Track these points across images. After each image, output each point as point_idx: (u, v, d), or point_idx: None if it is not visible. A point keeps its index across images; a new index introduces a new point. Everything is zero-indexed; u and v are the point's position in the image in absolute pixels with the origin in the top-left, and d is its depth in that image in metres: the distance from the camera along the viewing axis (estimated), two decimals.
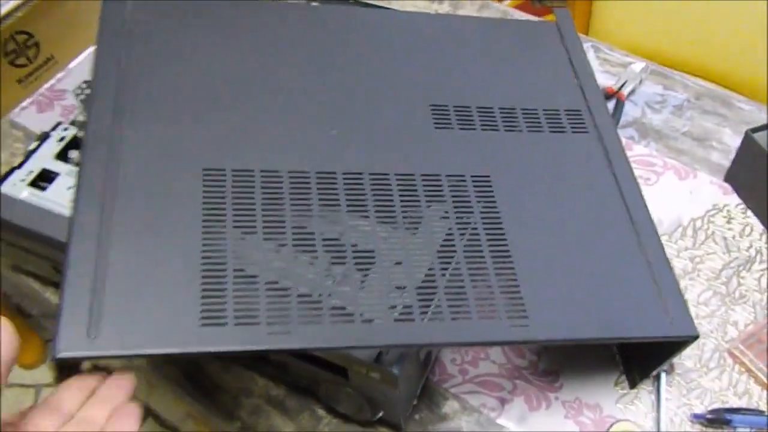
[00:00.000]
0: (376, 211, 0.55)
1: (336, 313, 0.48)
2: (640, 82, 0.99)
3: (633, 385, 0.69)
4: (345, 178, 0.56)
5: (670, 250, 0.78)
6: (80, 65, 1.04)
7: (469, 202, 0.58)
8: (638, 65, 1.01)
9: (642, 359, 0.67)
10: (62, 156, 0.76)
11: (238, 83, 0.60)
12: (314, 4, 0.82)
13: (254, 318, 0.45)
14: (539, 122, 0.66)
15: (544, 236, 0.58)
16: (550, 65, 0.73)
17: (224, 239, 0.49)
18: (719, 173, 0.90)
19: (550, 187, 0.62)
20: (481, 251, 0.55)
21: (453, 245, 0.54)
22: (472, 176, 0.59)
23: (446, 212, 0.56)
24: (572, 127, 0.67)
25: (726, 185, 0.87)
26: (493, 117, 0.65)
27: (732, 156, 0.86)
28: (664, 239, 0.78)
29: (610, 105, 0.95)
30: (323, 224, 0.52)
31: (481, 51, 0.72)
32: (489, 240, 0.56)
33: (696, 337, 0.58)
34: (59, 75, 1.03)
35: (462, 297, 0.51)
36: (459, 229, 0.56)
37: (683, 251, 0.80)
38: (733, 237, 0.82)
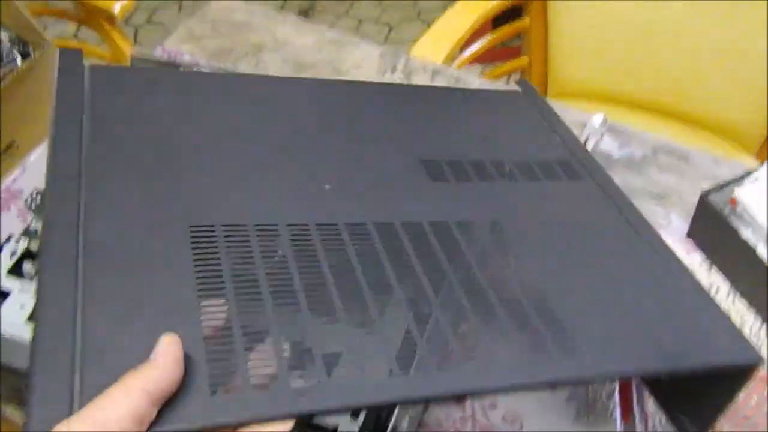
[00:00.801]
0: (390, 261, 0.51)
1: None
2: (602, 136, 0.99)
3: None
4: (348, 229, 0.52)
5: None
6: (39, 160, 1.03)
7: (485, 247, 0.55)
8: (597, 118, 1.01)
9: (695, 406, 0.57)
10: (15, 271, 0.73)
11: (214, 145, 0.57)
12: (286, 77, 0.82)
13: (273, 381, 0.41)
14: (534, 172, 0.66)
15: (574, 275, 0.56)
16: (526, 125, 0.74)
17: (224, 295, 0.45)
18: (681, 230, 0.90)
19: (564, 227, 0.60)
20: (517, 297, 0.51)
21: (477, 291, 0.51)
22: (482, 222, 0.58)
23: (464, 260, 0.53)
24: (567, 175, 0.67)
25: (689, 242, 0.87)
26: (487, 170, 0.64)
27: (692, 210, 0.86)
28: None
29: None
30: (331, 275, 0.48)
31: (459, 116, 0.73)
32: (521, 285, 0.53)
33: (759, 363, 0.52)
34: (16, 173, 1.02)
35: (497, 339, 0.48)
36: (481, 273, 0.53)
37: None
38: None
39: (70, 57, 0.60)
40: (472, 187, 0.61)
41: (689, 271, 0.59)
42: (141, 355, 0.39)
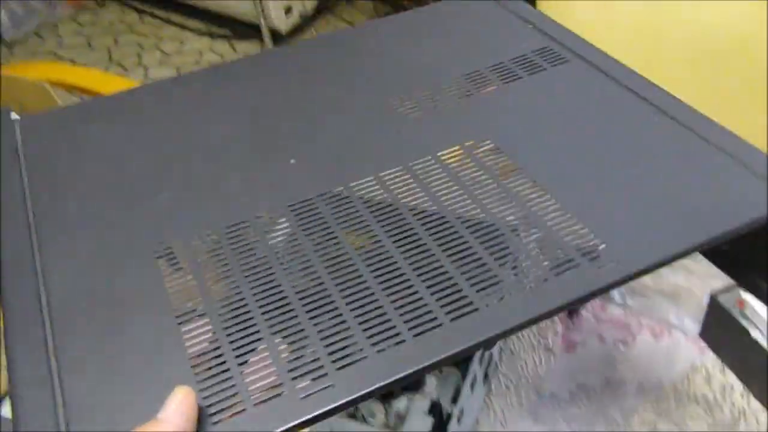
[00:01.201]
0: (381, 222, 0.46)
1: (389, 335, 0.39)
2: None
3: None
4: (324, 201, 0.48)
5: (652, 415, 0.75)
6: None
7: (478, 169, 0.50)
8: None
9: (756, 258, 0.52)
10: None
11: (158, 162, 0.53)
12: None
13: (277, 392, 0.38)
14: (512, 71, 0.60)
15: (580, 165, 0.50)
16: (495, 25, 0.67)
17: (204, 313, 0.41)
18: (693, 329, 0.87)
19: (558, 121, 0.55)
20: (522, 203, 0.47)
21: (477, 214, 0.46)
22: (470, 144, 0.52)
23: (457, 186, 0.48)
24: (550, 63, 0.61)
25: (701, 342, 0.85)
26: (463, 86, 0.59)
27: (704, 309, 0.84)
28: (648, 404, 0.74)
29: None
30: (319, 259, 0.44)
31: (423, 38, 0.67)
32: (523, 194, 0.48)
33: None
34: None
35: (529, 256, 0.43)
36: (485, 193, 0.48)
37: (665, 415, 0.77)
38: (714, 398, 0.79)
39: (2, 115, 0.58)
40: (452, 110, 0.56)
41: (703, 116, 0.53)
42: (128, 404, 0.36)
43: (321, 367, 0.37)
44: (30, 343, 0.40)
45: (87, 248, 0.46)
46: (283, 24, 2.10)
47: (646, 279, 0.94)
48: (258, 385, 0.37)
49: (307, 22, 2.19)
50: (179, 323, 0.40)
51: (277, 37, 2.12)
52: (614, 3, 0.99)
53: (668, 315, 0.89)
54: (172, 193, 0.50)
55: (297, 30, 2.16)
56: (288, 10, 2.09)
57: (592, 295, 0.42)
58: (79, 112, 0.60)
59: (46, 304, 0.42)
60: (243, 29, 2.18)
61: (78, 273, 0.44)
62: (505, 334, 0.40)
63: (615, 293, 0.91)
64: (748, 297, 0.78)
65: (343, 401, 0.36)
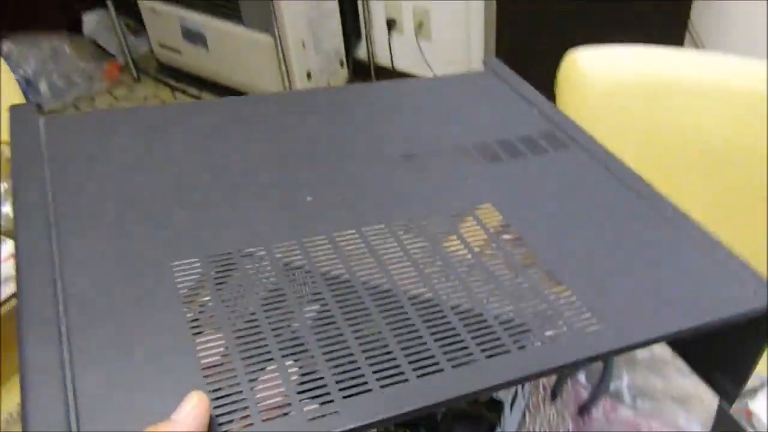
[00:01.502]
0: (387, 264, 0.48)
1: (387, 375, 0.41)
2: None
3: (731, 400, 0.57)
4: (337, 240, 0.50)
5: None
6: None
7: (480, 231, 0.52)
8: None
9: (728, 361, 0.54)
10: None
11: (182, 178, 0.55)
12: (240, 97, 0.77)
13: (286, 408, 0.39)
14: (518, 149, 0.63)
15: (576, 245, 0.53)
16: (500, 102, 0.71)
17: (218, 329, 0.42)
18: None
19: (561, 200, 0.58)
20: (516, 276, 0.49)
21: (475, 277, 0.48)
22: (475, 208, 0.55)
23: (461, 245, 0.51)
24: (553, 147, 0.64)
25: None
26: (470, 153, 0.62)
27: (713, 415, 0.84)
28: None
29: (598, 368, 0.94)
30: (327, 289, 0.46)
31: (430, 104, 0.70)
32: (521, 262, 0.50)
33: None
34: None
35: (514, 325, 0.45)
36: (483, 254, 0.50)
37: None
38: None
39: (23, 111, 0.58)
40: (459, 175, 0.59)
41: (694, 222, 0.55)
42: (138, 407, 0.37)
43: (328, 393, 0.39)
44: (43, 340, 0.39)
45: (105, 252, 0.46)
46: None
47: (656, 382, 0.95)
48: (267, 402, 0.38)
49: None
50: (194, 333, 0.41)
51: None
52: (626, 107, 1.04)
53: (677, 419, 0.90)
54: (192, 210, 0.51)
55: None
56: None
57: (574, 365, 0.46)
58: (106, 119, 0.61)
59: (62, 298, 0.42)
60: None
61: (95, 275, 0.44)
62: (499, 387, 0.43)
63: (626, 394, 0.92)
64: (756, 407, 0.78)
65: (348, 428, 0.38)
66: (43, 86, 2.40)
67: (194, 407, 0.35)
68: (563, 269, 0.49)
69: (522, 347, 0.43)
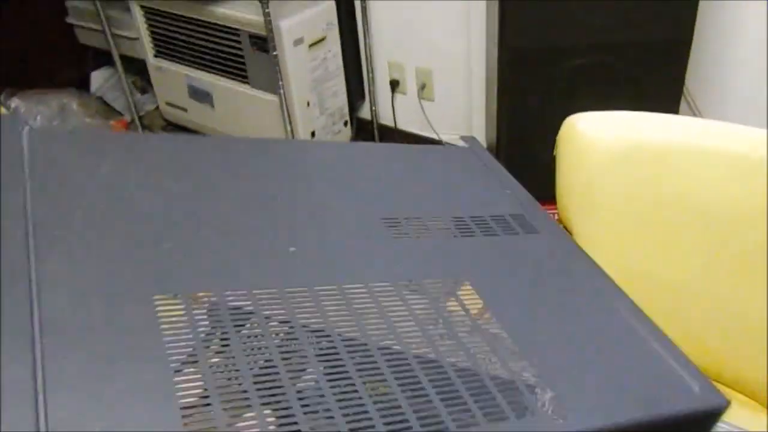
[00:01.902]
0: (364, 324, 0.50)
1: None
2: None
3: None
4: (318, 294, 0.50)
5: None
6: None
7: (451, 305, 0.54)
8: None
9: None
10: None
11: (167, 209, 0.54)
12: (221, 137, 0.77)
13: None
14: (491, 227, 0.66)
15: (541, 331, 0.55)
16: (477, 180, 0.74)
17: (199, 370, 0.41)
18: None
19: (526, 282, 0.60)
20: (487, 351, 0.50)
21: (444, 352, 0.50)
22: (448, 280, 0.57)
23: (435, 320, 0.52)
24: (524, 230, 0.67)
25: None
26: (447, 226, 0.64)
27: None
28: None
29: None
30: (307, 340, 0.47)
31: (413, 172, 0.73)
32: (492, 336, 0.52)
33: (725, 407, 0.51)
34: None
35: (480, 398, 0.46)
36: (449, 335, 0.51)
37: None
38: None
39: (8, 121, 0.57)
40: (435, 244, 0.61)
41: (649, 320, 0.58)
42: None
43: None
44: (17, 368, 0.38)
45: (86, 277, 0.45)
46: None
47: None
48: None
49: None
50: (173, 372, 0.40)
51: None
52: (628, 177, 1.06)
53: None
54: (177, 245, 0.50)
55: None
56: None
57: None
58: (95, 139, 0.60)
59: (38, 320, 0.41)
60: None
61: (75, 302, 0.43)
62: None
63: None
64: None
65: None
66: None
67: None
68: (530, 351, 0.51)
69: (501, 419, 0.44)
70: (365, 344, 0.48)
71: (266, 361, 0.44)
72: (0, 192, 0.49)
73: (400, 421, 0.42)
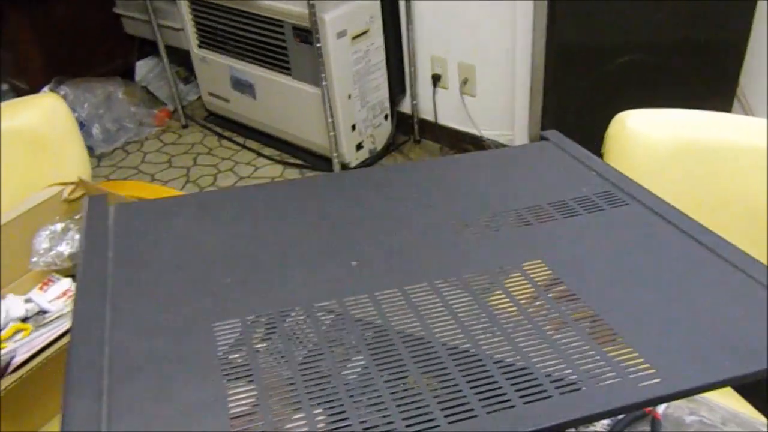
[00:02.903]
0: (426, 316, 0.49)
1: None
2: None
3: None
4: (379, 299, 0.51)
5: None
6: None
7: (531, 287, 0.53)
8: None
9: None
10: None
11: (234, 251, 0.58)
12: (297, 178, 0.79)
13: None
14: (573, 208, 0.64)
15: (630, 296, 0.53)
16: (559, 169, 0.72)
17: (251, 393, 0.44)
18: None
19: (613, 254, 0.58)
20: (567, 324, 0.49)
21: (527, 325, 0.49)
22: (524, 267, 0.56)
23: (510, 304, 0.52)
24: (610, 205, 0.64)
25: None
26: (524, 217, 0.63)
27: None
28: None
29: (646, 426, 0.92)
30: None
31: (490, 174, 0.72)
32: (572, 316, 0.50)
33: None
34: None
35: (565, 368, 0.45)
36: (536, 308, 0.51)
37: None
38: None
39: (96, 200, 0.64)
40: (510, 236, 0.60)
41: (760, 264, 0.55)
42: None
43: None
44: (85, 395, 0.42)
45: (153, 316, 0.50)
46: (353, 158, 2.21)
47: None
48: None
49: (375, 158, 2.30)
50: (227, 382, 0.44)
51: (345, 169, 2.23)
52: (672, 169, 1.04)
53: None
54: (238, 277, 0.54)
55: (365, 165, 2.26)
56: (359, 146, 2.21)
57: (632, 408, 0.45)
58: (168, 204, 0.66)
59: (108, 358, 0.45)
60: (314, 160, 2.30)
61: (140, 336, 0.48)
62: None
63: None
64: None
65: None
66: (95, 130, 2.48)
67: None
68: (615, 321, 0.50)
69: (565, 392, 0.43)
70: (428, 341, 0.48)
71: (317, 365, 0.45)
72: (87, 257, 0.56)
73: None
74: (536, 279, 0.54)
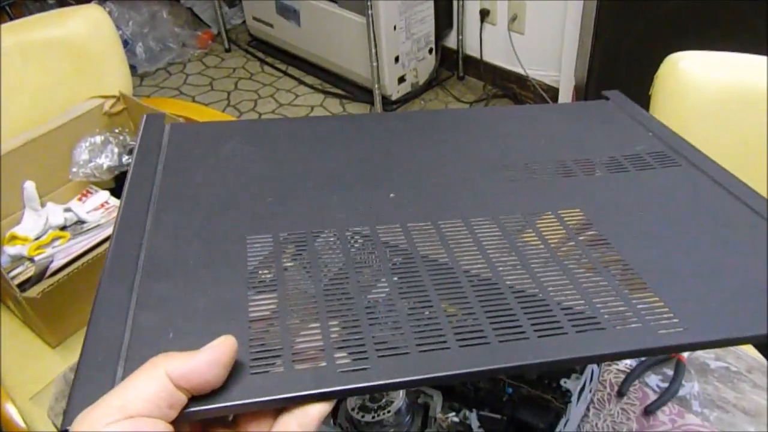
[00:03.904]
0: (455, 255, 0.49)
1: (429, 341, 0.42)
2: None
3: None
4: (410, 229, 0.52)
5: None
6: None
7: (563, 231, 0.53)
8: None
9: None
10: None
11: (278, 176, 0.60)
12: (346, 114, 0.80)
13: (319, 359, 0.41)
14: (622, 164, 0.63)
15: (664, 249, 0.52)
16: (614, 126, 0.71)
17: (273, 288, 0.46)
18: None
19: (653, 210, 0.57)
20: (594, 266, 0.49)
21: (553, 266, 0.49)
22: (560, 212, 0.55)
23: (540, 245, 0.51)
24: (661, 164, 0.64)
25: None
26: (569, 168, 0.63)
27: None
28: None
29: (670, 368, 0.92)
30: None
31: (540, 126, 0.71)
32: (601, 260, 0.50)
33: None
34: None
35: (586, 308, 0.45)
36: (563, 247, 0.50)
37: None
38: None
39: (154, 119, 0.67)
40: (552, 184, 0.60)
41: None
42: (186, 347, 0.39)
43: (364, 351, 0.40)
44: (117, 285, 0.45)
45: (190, 226, 0.52)
46: (394, 91, 2.18)
47: (728, 394, 0.93)
48: (302, 351, 0.40)
49: (416, 92, 2.27)
50: (249, 292, 0.45)
51: (386, 102, 2.20)
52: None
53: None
54: (278, 199, 0.56)
55: (406, 98, 2.24)
56: (401, 79, 2.18)
57: (648, 353, 0.45)
58: (222, 128, 0.68)
59: (143, 259, 0.48)
60: (355, 91, 2.28)
61: (178, 239, 0.50)
62: (545, 365, 0.42)
63: (695, 402, 0.90)
64: None
65: (376, 383, 0.39)
66: (139, 49, 2.48)
67: (219, 344, 0.37)
68: (645, 269, 0.49)
69: (581, 331, 0.43)
70: (451, 268, 0.48)
71: (341, 281, 0.46)
72: (134, 169, 0.58)
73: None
74: (570, 225, 0.54)
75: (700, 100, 0.97)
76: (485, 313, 0.44)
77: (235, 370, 0.38)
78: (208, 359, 0.36)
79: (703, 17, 1.57)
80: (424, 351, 0.41)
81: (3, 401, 0.89)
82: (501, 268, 0.48)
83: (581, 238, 0.52)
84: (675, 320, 0.45)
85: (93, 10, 1.25)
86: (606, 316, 0.44)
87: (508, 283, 0.47)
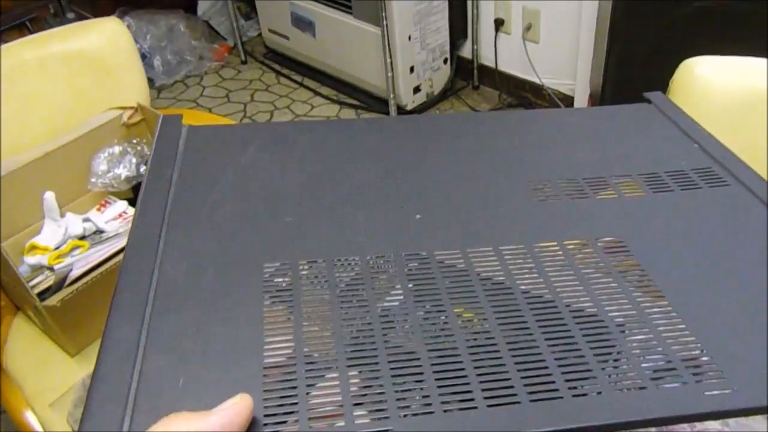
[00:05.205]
0: (486, 290, 0.46)
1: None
2: None
3: None
4: (438, 258, 0.48)
5: None
6: None
7: (603, 265, 0.49)
8: None
9: None
10: None
11: (297, 190, 0.56)
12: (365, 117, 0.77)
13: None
14: (665, 182, 0.58)
15: (713, 292, 0.48)
16: (656, 136, 0.66)
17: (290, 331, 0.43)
18: None
19: (699, 236, 0.53)
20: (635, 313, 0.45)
21: (590, 313, 0.45)
22: (598, 240, 0.51)
23: (575, 279, 0.48)
24: (707, 183, 0.59)
25: None
26: (608, 185, 0.58)
27: None
28: None
29: None
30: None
31: (574, 135, 0.67)
32: (643, 304, 0.46)
33: None
34: None
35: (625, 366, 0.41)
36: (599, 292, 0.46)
37: None
38: None
39: (171, 119, 0.64)
40: (589, 205, 0.56)
41: None
42: (196, 396, 0.38)
43: (385, 409, 0.38)
44: (127, 321, 0.42)
45: (204, 249, 0.49)
46: (409, 101, 2.19)
47: None
48: (319, 409, 0.38)
49: (432, 102, 2.27)
50: (265, 332, 0.42)
51: (401, 112, 2.21)
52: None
53: None
54: (298, 218, 0.52)
55: (422, 109, 2.24)
56: (416, 89, 2.19)
57: (691, 419, 0.41)
58: (241, 131, 0.65)
59: (154, 289, 0.45)
60: (370, 101, 2.28)
61: (191, 266, 0.47)
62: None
63: None
64: None
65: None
66: (156, 62, 2.50)
67: (235, 404, 0.36)
68: (692, 320, 0.45)
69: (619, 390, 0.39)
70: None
71: (363, 324, 0.44)
72: (149, 178, 0.55)
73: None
74: (612, 260, 0.49)
75: (716, 105, 0.97)
76: (518, 371, 0.40)
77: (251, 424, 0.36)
78: (222, 422, 0.35)
79: (718, 22, 1.56)
80: (448, 411, 0.38)
81: (23, 409, 0.90)
82: (528, 322, 0.44)
83: (620, 272, 0.48)
84: (725, 381, 0.40)
85: (112, 24, 1.26)
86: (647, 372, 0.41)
87: (541, 332, 0.43)
